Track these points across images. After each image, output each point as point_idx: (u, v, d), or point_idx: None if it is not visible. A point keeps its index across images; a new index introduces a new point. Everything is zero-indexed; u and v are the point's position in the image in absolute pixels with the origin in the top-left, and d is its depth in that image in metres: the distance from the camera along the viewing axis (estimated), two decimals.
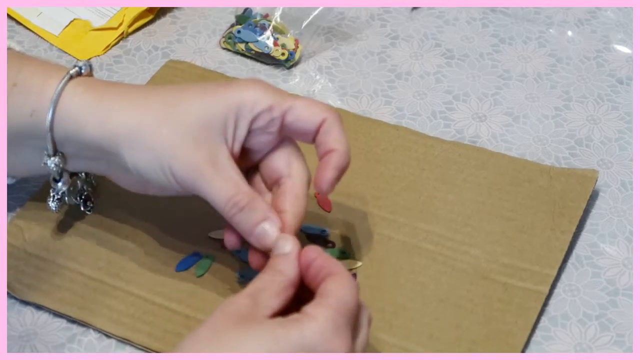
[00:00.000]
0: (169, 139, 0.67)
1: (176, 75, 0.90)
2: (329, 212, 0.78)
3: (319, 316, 0.61)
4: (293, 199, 0.68)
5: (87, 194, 0.77)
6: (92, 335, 0.71)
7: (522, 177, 0.80)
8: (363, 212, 0.78)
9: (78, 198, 0.76)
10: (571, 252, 0.76)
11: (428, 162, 0.82)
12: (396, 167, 0.81)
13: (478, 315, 0.71)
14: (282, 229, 0.67)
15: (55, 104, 0.69)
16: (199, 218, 0.76)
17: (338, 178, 0.68)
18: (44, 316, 0.72)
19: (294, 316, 0.61)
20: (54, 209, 0.74)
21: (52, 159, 0.71)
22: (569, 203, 0.78)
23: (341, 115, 0.86)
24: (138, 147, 0.67)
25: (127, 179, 0.72)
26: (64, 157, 0.71)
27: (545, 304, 0.73)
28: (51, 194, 0.74)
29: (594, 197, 0.80)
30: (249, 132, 0.69)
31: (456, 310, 0.72)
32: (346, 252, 0.75)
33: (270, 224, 0.67)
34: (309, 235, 0.76)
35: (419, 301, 0.72)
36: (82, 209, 0.77)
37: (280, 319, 0.61)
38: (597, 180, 0.79)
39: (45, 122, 0.69)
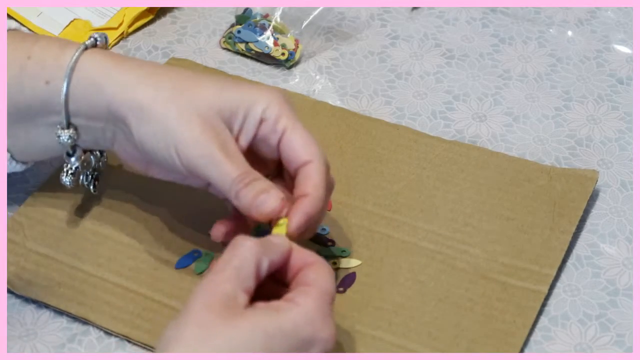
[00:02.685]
0: (178, 118, 0.67)
1: None
2: (329, 210, 0.78)
3: (307, 305, 0.61)
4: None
5: (97, 174, 0.77)
6: (92, 335, 0.71)
7: (522, 177, 0.80)
8: (363, 211, 0.78)
9: (89, 176, 0.76)
10: (571, 252, 0.76)
11: (428, 162, 0.82)
12: (396, 166, 0.81)
13: (477, 315, 0.71)
14: (292, 211, 0.67)
15: (72, 70, 0.69)
16: (199, 215, 0.76)
17: (307, 223, 0.67)
18: (44, 316, 0.72)
19: (279, 304, 0.62)
20: (67, 183, 0.74)
21: (66, 131, 0.71)
22: (569, 203, 0.78)
23: (342, 114, 0.86)
24: (146, 122, 0.67)
25: (132, 153, 0.71)
26: (76, 130, 0.71)
27: (545, 304, 0.73)
28: (64, 169, 0.74)
29: (594, 197, 0.80)
30: (255, 137, 0.69)
31: (455, 309, 0.72)
32: (346, 251, 0.75)
33: (272, 193, 0.66)
34: None
35: (418, 300, 0.72)
36: (90, 187, 0.76)
37: (265, 308, 0.61)
38: (597, 181, 0.79)
39: (61, 91, 0.69)
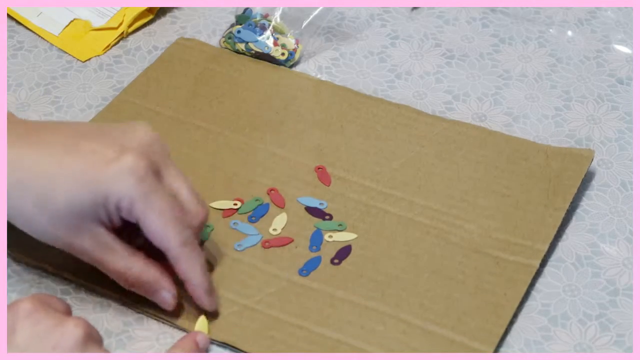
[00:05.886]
0: (50, 229, 0.68)
1: (185, 52, 0.91)
2: (328, 186, 0.79)
3: None
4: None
5: None
6: None
7: (520, 156, 0.81)
8: (361, 187, 0.79)
9: None
10: (571, 252, 0.76)
11: (428, 140, 0.83)
12: (396, 144, 0.82)
13: (469, 287, 0.72)
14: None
15: None
16: (199, 188, 0.75)
17: (208, 294, 0.70)
18: None
19: None
20: None
21: None
22: (564, 181, 0.79)
23: (344, 93, 0.87)
24: (22, 223, 0.68)
25: None
26: None
27: (545, 304, 0.73)
28: None
29: (594, 197, 0.80)
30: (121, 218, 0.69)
31: (447, 282, 0.72)
32: (342, 224, 0.76)
33: (165, 292, 0.70)
34: (307, 208, 0.77)
35: (411, 272, 0.73)
36: None
37: None
38: (592, 159, 0.80)
39: None
